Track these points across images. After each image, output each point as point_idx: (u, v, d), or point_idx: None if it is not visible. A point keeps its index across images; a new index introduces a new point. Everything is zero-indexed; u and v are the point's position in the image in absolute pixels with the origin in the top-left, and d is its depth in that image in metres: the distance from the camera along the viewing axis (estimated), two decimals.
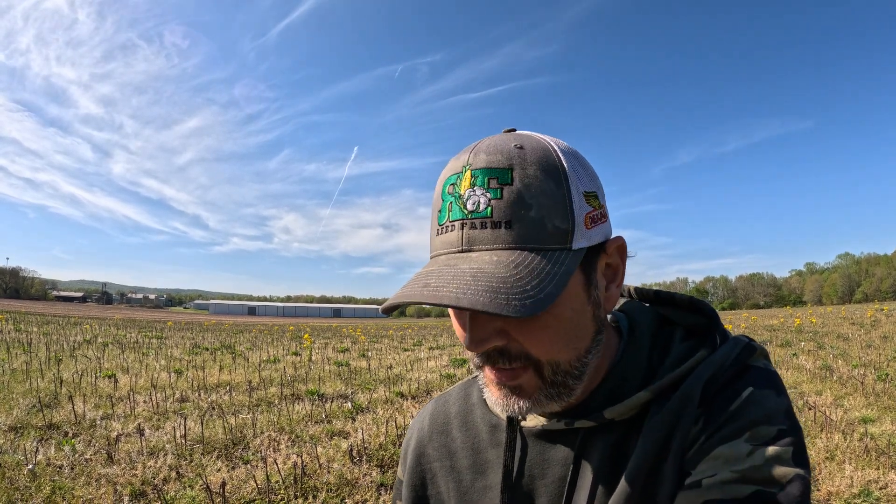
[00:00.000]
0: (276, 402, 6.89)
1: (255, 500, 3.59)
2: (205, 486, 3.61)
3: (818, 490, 3.67)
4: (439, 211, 0.59)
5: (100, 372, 8.64)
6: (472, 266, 0.53)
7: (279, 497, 3.64)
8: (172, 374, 8.98)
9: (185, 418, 5.50)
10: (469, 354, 0.63)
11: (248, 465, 4.24)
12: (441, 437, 0.78)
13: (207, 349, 14.46)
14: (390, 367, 11.00)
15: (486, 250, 0.54)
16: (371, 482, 3.96)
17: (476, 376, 0.81)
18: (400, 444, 4.82)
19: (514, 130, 0.61)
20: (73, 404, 5.80)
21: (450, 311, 0.63)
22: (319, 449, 4.61)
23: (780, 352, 11.50)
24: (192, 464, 4.25)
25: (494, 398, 0.62)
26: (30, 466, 3.83)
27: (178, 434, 4.92)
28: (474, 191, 0.55)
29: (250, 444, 4.84)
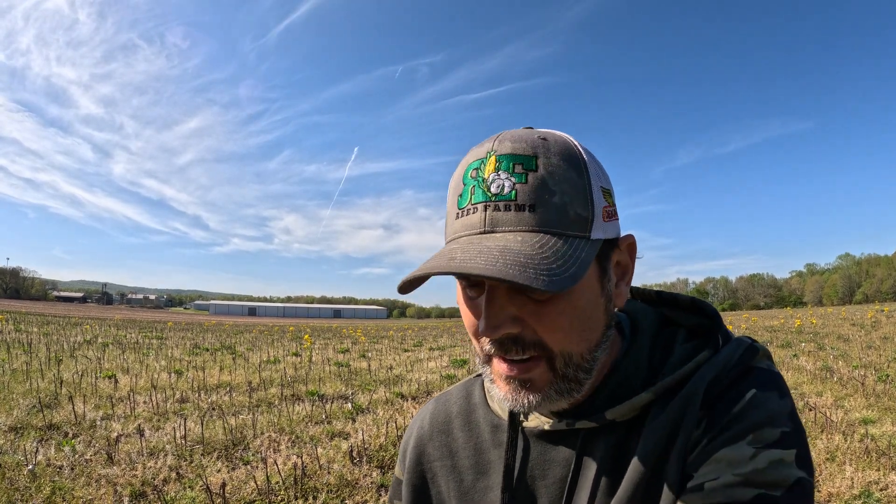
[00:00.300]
0: (277, 402, 6.89)
1: (256, 500, 3.59)
2: (205, 486, 3.60)
3: (819, 491, 3.67)
4: (460, 195, 0.59)
5: (100, 372, 8.64)
6: (498, 244, 0.53)
7: (279, 498, 3.64)
8: (173, 374, 8.99)
9: (186, 419, 5.50)
10: (476, 348, 0.63)
11: (249, 466, 4.24)
12: (442, 436, 0.78)
13: (208, 350, 14.46)
14: (390, 368, 11.00)
15: (510, 231, 0.55)
16: (371, 483, 3.96)
17: (478, 375, 0.81)
18: (399, 445, 4.81)
19: (531, 128, 0.62)
20: (73, 405, 5.80)
21: (461, 300, 0.63)
22: (320, 450, 4.61)
23: (780, 353, 11.49)
24: (193, 464, 4.25)
25: (503, 393, 0.61)
26: (30, 467, 3.83)
27: (178, 435, 4.92)
28: (499, 175, 0.56)
29: (250, 445, 4.84)
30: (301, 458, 4.21)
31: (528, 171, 0.55)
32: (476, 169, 0.58)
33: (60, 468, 3.97)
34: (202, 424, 5.18)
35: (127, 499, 3.50)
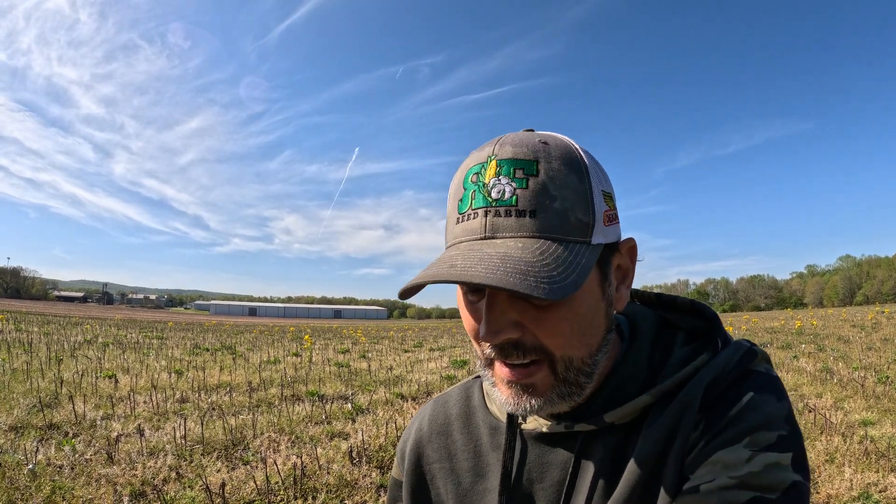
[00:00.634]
0: (277, 402, 6.90)
1: (255, 500, 3.60)
2: (204, 486, 3.61)
3: (817, 493, 3.67)
4: (460, 200, 0.59)
5: (100, 372, 8.64)
6: (499, 251, 0.53)
7: (279, 498, 3.64)
8: (173, 374, 8.99)
9: (186, 419, 5.51)
10: (477, 351, 0.63)
11: (248, 466, 4.25)
12: (441, 438, 0.77)
13: (208, 350, 14.47)
14: (391, 369, 11.00)
15: (510, 237, 0.55)
16: (371, 483, 3.96)
17: (477, 376, 0.81)
18: None
19: (532, 131, 0.62)
20: (73, 404, 5.80)
21: (461, 303, 0.63)
22: (319, 450, 4.61)
23: (780, 354, 11.49)
24: (192, 464, 4.26)
25: (504, 397, 0.61)
26: (30, 466, 3.84)
27: (178, 434, 4.92)
28: (499, 180, 0.56)
29: (250, 445, 4.84)
30: (301, 458, 4.22)
31: (528, 177, 0.55)
32: (477, 173, 0.58)
33: (60, 468, 3.97)
34: (202, 424, 5.18)
35: (127, 498, 3.51)
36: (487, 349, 0.60)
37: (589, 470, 0.63)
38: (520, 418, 0.70)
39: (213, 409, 6.37)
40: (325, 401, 7.02)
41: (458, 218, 0.59)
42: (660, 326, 0.71)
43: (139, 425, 5.25)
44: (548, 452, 0.67)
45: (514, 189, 0.55)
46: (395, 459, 0.84)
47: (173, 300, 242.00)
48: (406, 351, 16.34)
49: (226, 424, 5.33)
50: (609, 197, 0.61)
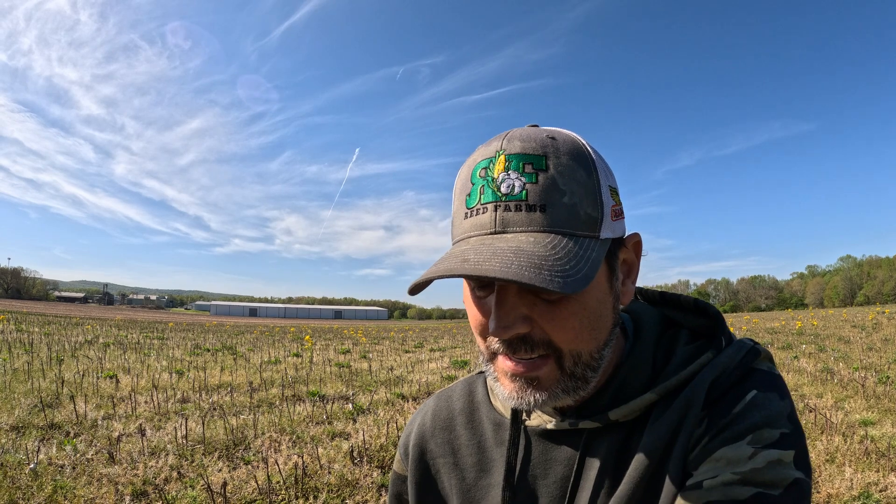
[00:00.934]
0: (278, 403, 6.90)
1: (257, 500, 3.60)
2: (206, 486, 3.62)
3: (818, 492, 3.67)
4: (468, 195, 0.59)
5: (101, 372, 8.65)
6: (511, 245, 0.53)
7: (280, 497, 3.65)
8: (174, 374, 9.00)
9: (187, 419, 5.51)
10: (480, 346, 0.63)
11: (250, 466, 4.25)
12: (444, 433, 0.78)
13: (209, 350, 14.47)
14: (391, 369, 11.00)
15: (521, 232, 0.55)
16: (372, 483, 3.97)
17: (481, 372, 0.81)
18: None
19: (536, 126, 0.62)
20: (74, 404, 5.81)
21: (468, 299, 0.63)
22: (320, 450, 4.61)
23: (781, 354, 11.48)
24: (194, 464, 4.26)
25: (508, 391, 0.61)
26: (31, 466, 3.85)
27: (179, 434, 4.93)
28: (508, 174, 0.56)
29: (251, 445, 4.84)
30: (302, 458, 4.22)
31: (538, 171, 0.55)
32: (485, 168, 0.57)
33: (62, 467, 3.98)
34: (203, 424, 5.19)
35: (128, 498, 3.52)
36: (494, 344, 0.60)
37: (593, 467, 0.63)
38: (524, 414, 0.70)
39: (215, 409, 6.38)
40: (325, 401, 7.02)
41: (467, 213, 0.58)
42: (663, 324, 0.71)
43: (140, 425, 5.25)
44: (552, 449, 0.67)
45: (524, 184, 0.55)
46: (397, 454, 0.84)
47: (174, 301, 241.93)
48: (407, 351, 16.33)
49: (227, 424, 5.34)
50: (615, 192, 0.61)
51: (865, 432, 4.85)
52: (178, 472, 4.00)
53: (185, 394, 7.29)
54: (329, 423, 5.82)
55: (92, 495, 3.53)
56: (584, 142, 0.60)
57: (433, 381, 9.10)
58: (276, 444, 4.91)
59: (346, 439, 5.09)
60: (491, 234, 0.56)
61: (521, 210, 0.55)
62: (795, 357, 10.74)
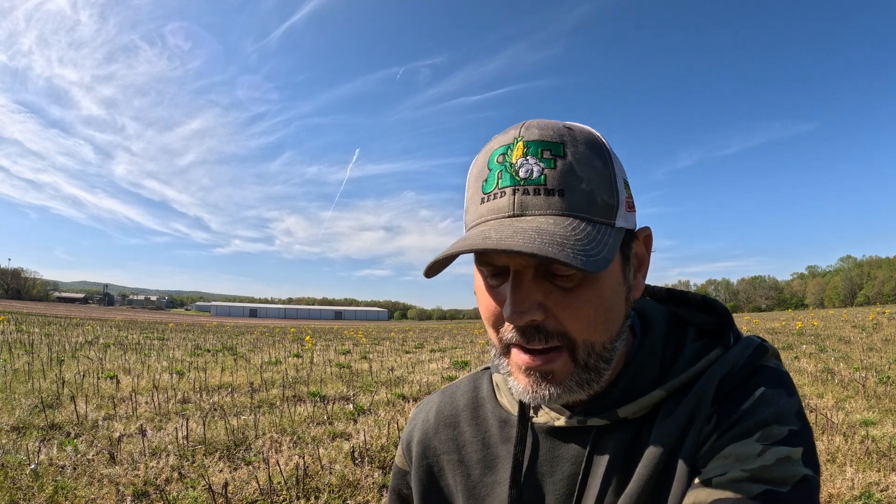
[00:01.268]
0: (278, 403, 6.90)
1: (258, 500, 3.60)
2: (207, 486, 3.62)
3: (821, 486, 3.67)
4: (485, 180, 0.59)
5: (101, 373, 8.66)
6: (531, 225, 0.53)
7: (281, 498, 3.65)
8: (174, 375, 9.00)
9: (187, 419, 5.51)
10: (493, 339, 0.63)
11: (251, 466, 4.25)
12: (449, 429, 0.77)
13: (209, 351, 14.48)
14: (392, 370, 11.00)
15: (540, 215, 0.55)
16: (373, 483, 3.97)
17: (486, 368, 0.81)
18: None
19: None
20: (75, 405, 5.81)
21: (480, 288, 0.62)
22: (321, 450, 4.62)
23: (781, 355, 11.46)
24: (195, 464, 4.26)
25: (521, 385, 0.60)
26: (32, 466, 3.85)
27: (180, 435, 4.93)
28: (527, 160, 0.56)
29: (252, 446, 4.85)
30: (303, 458, 4.22)
31: (556, 157, 0.56)
32: (503, 154, 0.58)
33: (63, 468, 3.98)
34: (204, 425, 5.19)
35: (129, 498, 3.52)
36: (508, 333, 0.59)
37: (601, 465, 0.62)
38: (531, 411, 0.70)
39: (215, 409, 6.38)
40: (326, 401, 7.03)
41: (483, 198, 0.58)
42: (671, 322, 0.71)
43: (141, 426, 5.26)
44: (559, 446, 0.67)
45: (543, 169, 0.55)
46: (400, 449, 0.83)
47: (174, 301, 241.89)
48: (407, 352, 16.33)
49: (228, 425, 5.34)
50: (627, 185, 0.62)
51: (866, 432, 4.85)
52: (179, 473, 4.00)
53: (185, 394, 7.29)
54: (330, 423, 5.82)
55: (93, 496, 3.53)
56: (598, 133, 0.61)
57: (433, 381, 9.10)
58: (277, 445, 4.91)
59: (347, 440, 5.09)
60: (509, 216, 0.56)
61: (539, 194, 0.55)
62: (796, 357, 10.74)
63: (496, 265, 0.58)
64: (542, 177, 0.55)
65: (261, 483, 3.78)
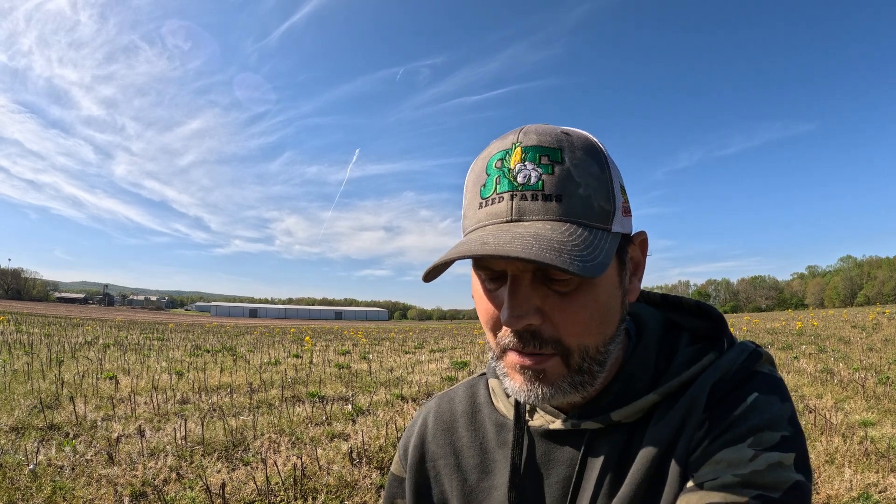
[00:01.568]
0: (277, 404, 6.90)
1: (255, 501, 3.60)
2: (205, 487, 3.62)
3: (817, 493, 3.67)
4: (483, 185, 0.59)
5: (101, 373, 8.65)
6: (529, 230, 0.54)
7: (279, 498, 3.65)
8: (173, 375, 9.00)
9: (186, 420, 5.51)
10: (490, 342, 0.63)
11: (249, 467, 4.25)
12: (446, 434, 0.77)
13: (209, 351, 14.48)
14: (391, 370, 11.00)
15: (538, 220, 0.55)
16: (371, 484, 3.96)
17: (482, 374, 0.82)
18: None
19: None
20: (74, 405, 5.81)
21: (478, 292, 0.62)
22: (319, 451, 4.61)
23: (781, 355, 11.48)
24: (193, 465, 4.26)
25: (517, 385, 0.61)
26: (31, 467, 3.85)
27: (178, 435, 4.93)
28: (525, 165, 0.57)
29: (250, 446, 4.85)
30: (301, 458, 4.22)
31: (553, 163, 0.56)
32: (501, 159, 0.58)
33: (61, 468, 3.98)
34: (202, 425, 5.19)
35: (127, 499, 3.52)
36: (505, 338, 0.60)
37: (595, 467, 0.63)
38: (527, 415, 0.71)
39: (214, 410, 6.38)
40: (325, 402, 7.03)
41: (481, 203, 0.59)
42: (665, 326, 0.72)
43: (140, 426, 5.25)
44: (554, 449, 0.67)
45: (541, 174, 0.56)
46: (397, 455, 0.84)
47: (174, 301, 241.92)
48: (407, 352, 16.33)
49: (226, 425, 5.34)
50: (623, 190, 0.62)
51: (865, 433, 4.85)
52: (177, 473, 4.00)
53: (184, 395, 7.29)
54: (328, 424, 5.82)
55: (91, 496, 3.53)
56: (595, 139, 0.61)
57: (433, 382, 9.10)
58: (276, 445, 4.91)
59: (346, 440, 5.09)
60: (507, 221, 0.56)
61: (537, 199, 0.56)
62: (795, 357, 10.74)
63: (494, 269, 0.59)
64: (540, 182, 0.56)
65: (258, 483, 3.78)
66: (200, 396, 7.24)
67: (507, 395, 0.74)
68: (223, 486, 3.47)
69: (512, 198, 0.56)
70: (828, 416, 5.43)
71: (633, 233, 0.64)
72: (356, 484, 3.96)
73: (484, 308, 0.62)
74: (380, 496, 3.76)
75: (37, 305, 76.57)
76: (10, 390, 6.89)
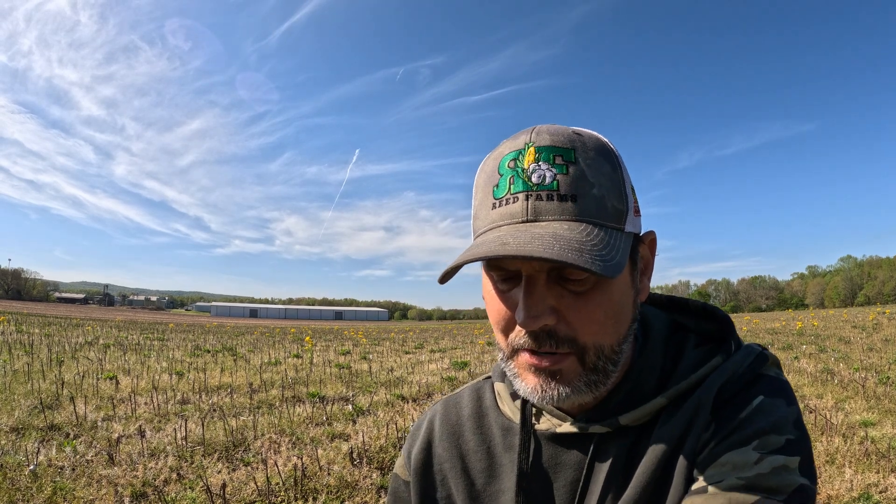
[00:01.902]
0: (277, 404, 6.90)
1: (256, 501, 3.60)
2: (205, 487, 3.62)
3: (818, 494, 3.66)
4: (495, 186, 0.59)
5: (101, 373, 8.65)
6: (547, 231, 0.54)
7: (279, 499, 3.65)
8: (174, 375, 9.00)
9: (186, 420, 5.51)
10: (500, 343, 0.63)
11: (249, 467, 4.25)
12: (453, 438, 0.77)
13: (209, 351, 14.48)
14: (391, 370, 11.00)
15: (554, 220, 0.55)
16: (371, 484, 3.96)
17: (487, 377, 0.81)
18: (400, 447, 4.82)
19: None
20: (74, 406, 5.81)
21: (490, 293, 0.62)
22: (320, 451, 4.61)
23: (781, 355, 11.47)
24: (193, 465, 4.26)
25: (531, 386, 0.60)
26: (31, 467, 3.85)
27: (178, 436, 4.93)
28: (539, 165, 0.57)
29: (251, 446, 4.84)
30: (301, 459, 4.22)
31: (567, 163, 0.56)
32: (514, 160, 0.58)
33: (62, 469, 3.98)
34: (203, 425, 5.19)
35: (128, 499, 3.52)
36: (519, 338, 0.59)
37: (602, 471, 0.63)
38: (533, 418, 0.70)
39: (214, 410, 6.38)
40: (325, 402, 7.02)
41: (495, 203, 0.58)
42: (672, 328, 0.72)
43: (140, 426, 5.25)
44: (562, 453, 0.67)
45: (555, 174, 0.56)
46: (401, 458, 0.83)
47: (174, 301, 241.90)
48: (407, 352, 16.32)
49: (226, 426, 5.34)
50: (633, 190, 0.63)
51: (866, 433, 4.85)
52: (178, 474, 4.00)
53: (184, 395, 7.29)
54: (329, 424, 5.82)
55: (91, 497, 3.53)
56: (606, 139, 0.62)
57: (433, 382, 9.10)
58: (276, 446, 4.91)
59: (346, 441, 5.09)
60: (523, 222, 0.56)
61: (552, 199, 0.56)
62: (796, 357, 10.73)
63: (508, 269, 0.59)
64: (555, 182, 0.56)
65: (259, 484, 3.78)
66: (201, 397, 7.24)
67: (513, 399, 0.73)
68: (224, 486, 3.47)
69: (527, 198, 0.56)
70: (828, 417, 5.43)
71: (642, 232, 0.65)
72: (357, 484, 3.96)
73: (496, 309, 0.61)
74: (380, 496, 3.77)
75: (37, 305, 76.58)
76: (10, 391, 6.89)
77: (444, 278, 0.57)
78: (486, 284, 0.63)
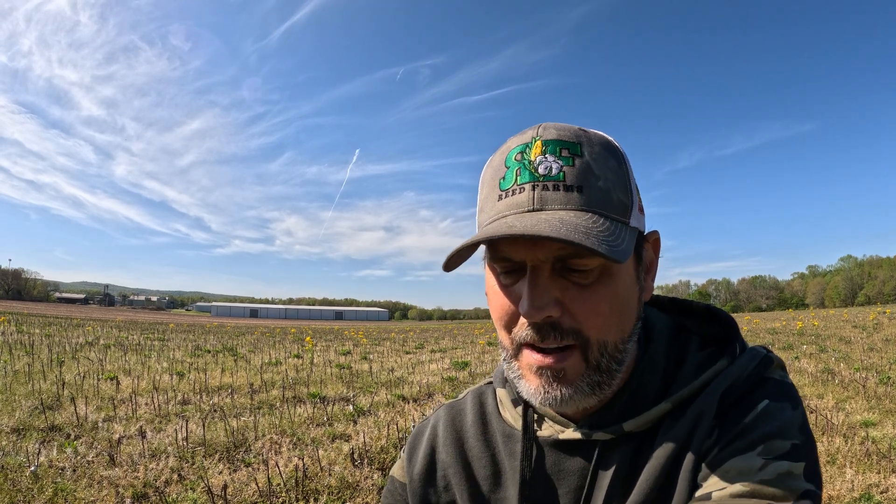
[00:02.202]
0: (278, 404, 6.90)
1: (257, 502, 3.60)
2: (206, 488, 3.61)
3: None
4: (502, 178, 0.60)
5: (102, 374, 8.65)
6: (554, 216, 0.54)
7: (280, 500, 3.65)
8: (174, 376, 9.00)
9: (187, 420, 5.51)
10: (504, 340, 0.62)
11: (250, 468, 4.25)
12: (457, 444, 0.76)
13: (209, 351, 14.47)
14: (392, 370, 10.99)
15: (560, 209, 0.56)
16: (372, 485, 3.96)
17: (489, 382, 0.81)
18: (401, 447, 4.82)
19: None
20: (75, 406, 5.81)
21: (493, 288, 0.62)
22: (321, 451, 4.61)
23: (782, 355, 11.47)
24: (194, 466, 4.26)
25: (533, 387, 0.60)
26: (32, 468, 3.85)
27: (179, 436, 4.93)
28: (546, 157, 0.58)
29: (252, 447, 4.84)
30: (302, 459, 4.22)
31: (574, 156, 0.57)
32: (521, 153, 0.59)
33: (62, 469, 3.98)
34: (204, 426, 5.19)
35: (129, 500, 3.51)
36: (522, 332, 0.59)
37: (606, 478, 0.62)
38: (535, 424, 0.70)
39: (215, 410, 6.37)
40: (326, 402, 7.02)
41: (501, 194, 0.59)
42: (674, 331, 0.71)
43: (141, 427, 5.25)
44: (565, 459, 0.66)
45: (561, 166, 0.57)
46: (401, 460, 0.82)
47: (174, 302, 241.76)
48: (407, 352, 16.31)
49: (227, 426, 5.34)
50: (637, 190, 0.63)
51: (866, 433, 4.85)
52: (179, 475, 4.00)
53: (185, 395, 7.28)
54: (330, 424, 5.82)
55: (92, 498, 3.53)
56: (611, 138, 0.63)
57: (434, 382, 9.09)
58: (277, 446, 4.90)
59: (347, 441, 5.09)
60: (529, 211, 0.56)
61: (559, 190, 0.56)
62: (796, 357, 10.73)
63: (513, 260, 0.58)
64: (562, 173, 0.57)
65: (260, 485, 3.78)
66: (201, 397, 7.24)
67: (515, 406, 0.73)
68: (225, 487, 3.47)
69: (534, 188, 0.57)
70: (829, 417, 5.42)
71: (646, 231, 0.65)
72: (358, 485, 3.96)
73: (499, 304, 0.61)
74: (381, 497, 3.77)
75: (37, 306, 76.52)
76: (11, 391, 6.89)
77: (449, 265, 0.57)
78: (489, 279, 0.63)
